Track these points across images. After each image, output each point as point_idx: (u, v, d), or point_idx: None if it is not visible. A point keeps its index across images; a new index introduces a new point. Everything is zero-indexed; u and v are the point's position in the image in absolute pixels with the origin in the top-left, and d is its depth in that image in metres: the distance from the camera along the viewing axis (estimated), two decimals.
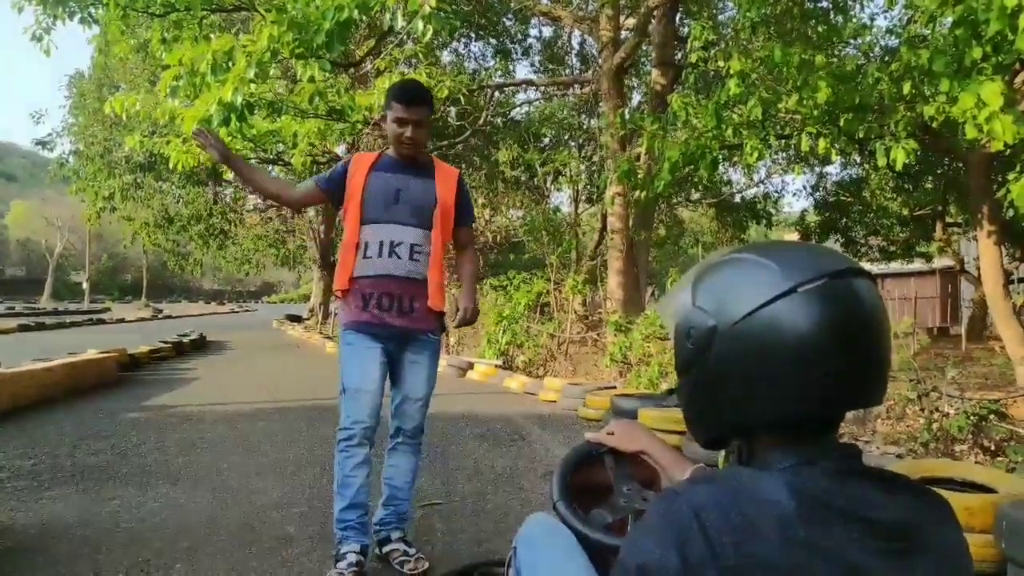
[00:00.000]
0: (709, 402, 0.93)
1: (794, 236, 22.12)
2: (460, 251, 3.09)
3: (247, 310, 56.88)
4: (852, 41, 12.10)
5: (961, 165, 12.93)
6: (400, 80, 3.82)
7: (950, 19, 5.33)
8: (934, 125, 6.14)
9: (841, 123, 6.44)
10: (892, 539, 0.80)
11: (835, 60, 7.11)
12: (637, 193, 8.77)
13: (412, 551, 2.79)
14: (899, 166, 5.88)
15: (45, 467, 4.45)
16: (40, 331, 21.91)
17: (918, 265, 20.83)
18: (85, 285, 61.50)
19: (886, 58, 8.88)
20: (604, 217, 13.49)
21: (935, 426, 4.57)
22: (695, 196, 20.22)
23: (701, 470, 1.22)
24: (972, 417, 4.49)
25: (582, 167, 15.94)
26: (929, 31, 6.29)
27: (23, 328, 21.77)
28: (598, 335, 10.19)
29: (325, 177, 2.91)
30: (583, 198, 18.52)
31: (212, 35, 7.80)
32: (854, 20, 11.46)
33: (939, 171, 14.91)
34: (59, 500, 3.72)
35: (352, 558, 2.60)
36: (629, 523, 1.30)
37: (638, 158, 9.37)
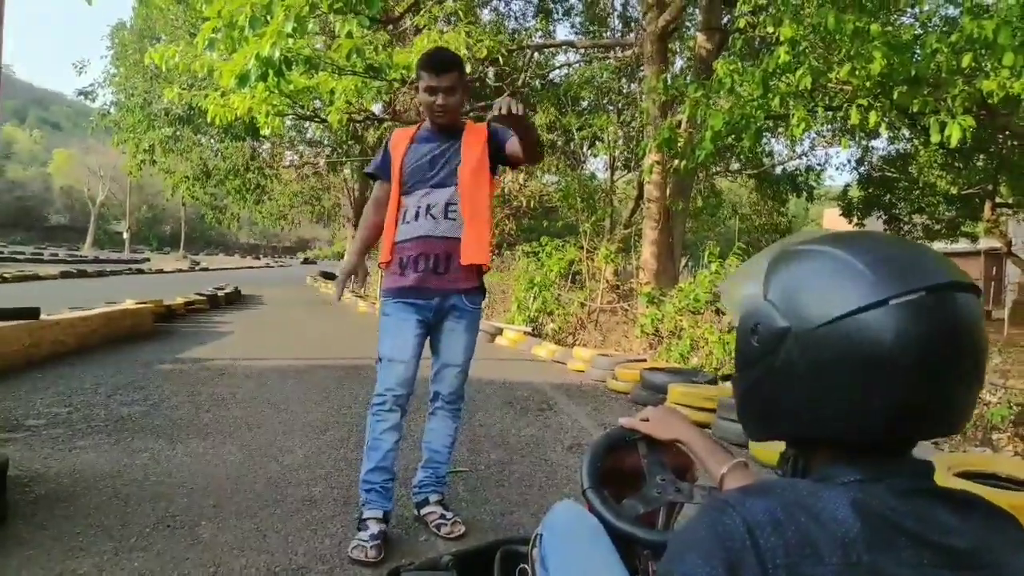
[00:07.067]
0: (768, 406, 0.84)
1: (835, 211, 21.63)
2: (515, 147, 2.73)
3: (282, 265, 58.31)
4: (909, 10, 11.62)
5: (1016, 143, 12.46)
6: (428, 49, 3.76)
7: None
8: (992, 101, 5.87)
9: (894, 96, 6.18)
10: (962, 568, 0.72)
11: (891, 29, 6.81)
12: (676, 162, 8.57)
13: (449, 515, 2.84)
14: (953, 143, 5.65)
15: (80, 416, 4.54)
16: (81, 278, 22.46)
17: (963, 245, 20.21)
18: (126, 235, 62.88)
19: (945, 28, 8.50)
20: (640, 185, 13.24)
21: (974, 414, 4.44)
22: (735, 166, 19.78)
23: (740, 465, 1.16)
24: (1014, 407, 4.35)
25: (620, 133, 15.61)
26: (993, 1, 5.99)
27: (65, 275, 22.36)
28: (629, 306, 10.08)
29: (378, 165, 2.93)
30: (619, 165, 18.20)
31: None
32: None
33: (992, 149, 14.39)
34: (91, 449, 3.79)
35: (374, 528, 2.59)
36: (661, 515, 1.25)
37: (679, 126, 9.14)
